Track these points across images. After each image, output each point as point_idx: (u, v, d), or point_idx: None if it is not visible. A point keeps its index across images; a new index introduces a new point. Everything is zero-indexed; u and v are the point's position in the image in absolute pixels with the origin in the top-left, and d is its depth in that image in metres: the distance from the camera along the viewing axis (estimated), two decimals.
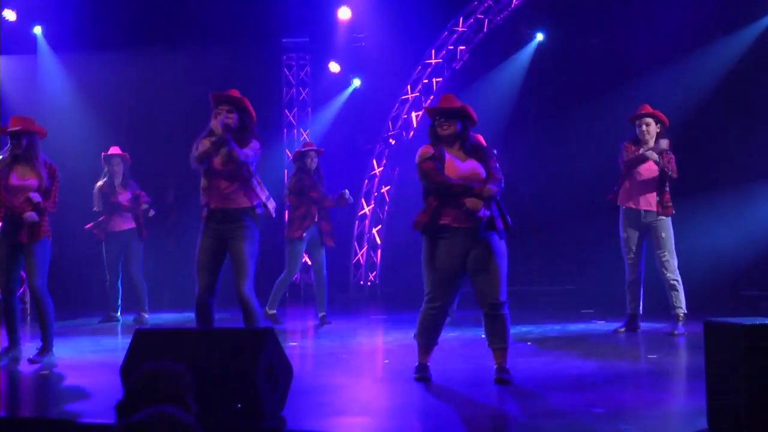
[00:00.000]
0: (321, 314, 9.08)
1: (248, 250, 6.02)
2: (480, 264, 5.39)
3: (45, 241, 6.74)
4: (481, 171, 5.46)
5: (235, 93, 6.14)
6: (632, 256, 7.70)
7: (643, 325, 8.07)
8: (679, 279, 7.60)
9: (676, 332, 7.48)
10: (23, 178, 6.73)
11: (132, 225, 9.62)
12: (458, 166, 5.45)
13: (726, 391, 3.89)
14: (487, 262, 5.38)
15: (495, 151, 8.29)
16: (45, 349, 6.70)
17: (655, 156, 7.53)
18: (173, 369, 3.00)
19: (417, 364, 5.63)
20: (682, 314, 7.56)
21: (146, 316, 9.59)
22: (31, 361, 6.58)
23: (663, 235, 7.59)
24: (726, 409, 3.90)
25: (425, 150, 5.52)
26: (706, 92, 10.96)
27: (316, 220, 8.92)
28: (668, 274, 7.58)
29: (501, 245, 5.47)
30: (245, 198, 6.08)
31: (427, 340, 5.59)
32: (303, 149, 9.28)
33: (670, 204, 7.66)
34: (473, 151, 5.56)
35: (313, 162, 9.06)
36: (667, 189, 7.67)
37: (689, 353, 6.72)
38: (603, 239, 10.83)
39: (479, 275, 5.40)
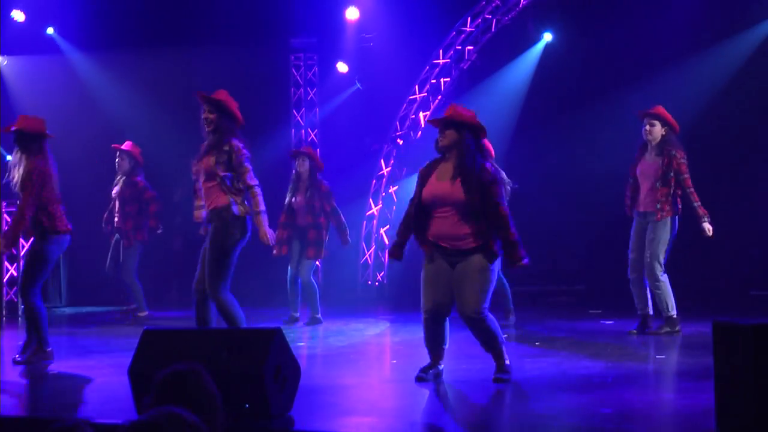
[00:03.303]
0: (315, 315, 8.99)
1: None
2: (460, 278, 5.38)
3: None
4: (460, 192, 5.34)
5: (220, 95, 6.14)
6: (632, 255, 7.79)
7: (652, 326, 8.04)
8: (662, 281, 7.62)
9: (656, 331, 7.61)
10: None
11: (120, 225, 9.43)
12: (434, 184, 5.45)
13: (735, 391, 3.88)
14: (466, 275, 5.36)
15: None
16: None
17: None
18: (196, 368, 2.98)
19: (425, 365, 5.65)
20: (666, 316, 7.64)
21: (142, 314, 9.49)
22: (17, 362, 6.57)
23: (651, 237, 7.66)
24: (734, 409, 3.89)
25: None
26: (716, 92, 10.92)
27: (291, 232, 8.80)
28: (648, 278, 7.68)
29: (485, 261, 5.37)
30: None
31: (431, 347, 5.63)
32: (299, 150, 9.25)
33: (661, 207, 7.55)
34: (465, 172, 5.38)
35: (302, 165, 8.85)
36: (664, 190, 7.58)
37: (698, 354, 6.68)
38: (611, 239, 10.82)
39: (457, 288, 5.40)
